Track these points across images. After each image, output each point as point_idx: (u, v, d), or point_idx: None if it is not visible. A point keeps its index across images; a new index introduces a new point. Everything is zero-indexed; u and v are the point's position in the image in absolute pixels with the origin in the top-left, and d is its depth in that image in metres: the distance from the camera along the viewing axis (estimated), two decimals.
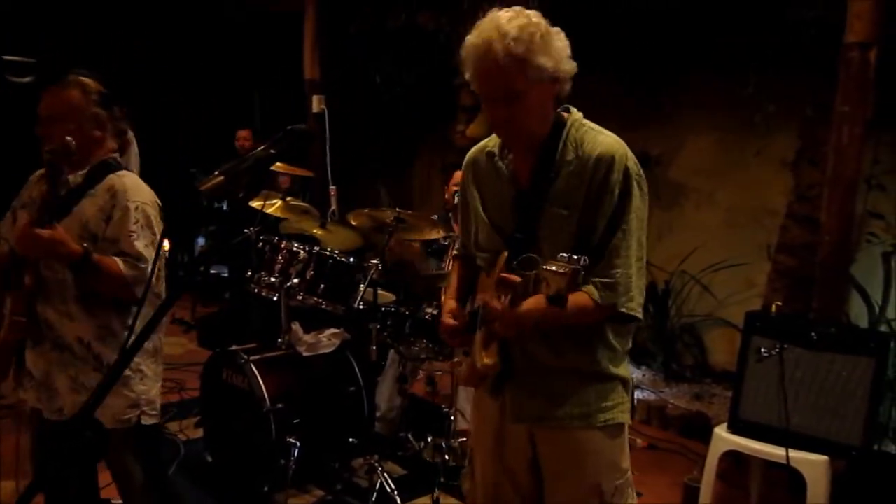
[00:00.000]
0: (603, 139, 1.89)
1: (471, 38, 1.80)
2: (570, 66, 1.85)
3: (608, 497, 1.96)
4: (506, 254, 1.89)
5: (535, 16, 1.80)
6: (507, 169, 1.97)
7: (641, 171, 1.89)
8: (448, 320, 2.03)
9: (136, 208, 2.20)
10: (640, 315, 1.87)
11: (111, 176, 2.22)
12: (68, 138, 1.93)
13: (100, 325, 2.22)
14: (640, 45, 5.11)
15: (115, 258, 2.13)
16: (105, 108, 2.27)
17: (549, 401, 1.95)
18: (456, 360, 2.16)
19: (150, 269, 2.17)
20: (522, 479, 2.05)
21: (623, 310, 1.84)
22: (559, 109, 1.92)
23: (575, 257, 1.56)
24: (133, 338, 1.29)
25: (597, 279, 1.83)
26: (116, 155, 2.31)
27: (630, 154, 1.88)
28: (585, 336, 1.92)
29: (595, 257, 1.82)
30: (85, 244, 2.07)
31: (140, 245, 2.16)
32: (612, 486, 1.96)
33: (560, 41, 1.83)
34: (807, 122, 3.99)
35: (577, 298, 1.81)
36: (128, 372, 2.26)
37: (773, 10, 4.15)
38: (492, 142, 2.05)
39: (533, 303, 1.74)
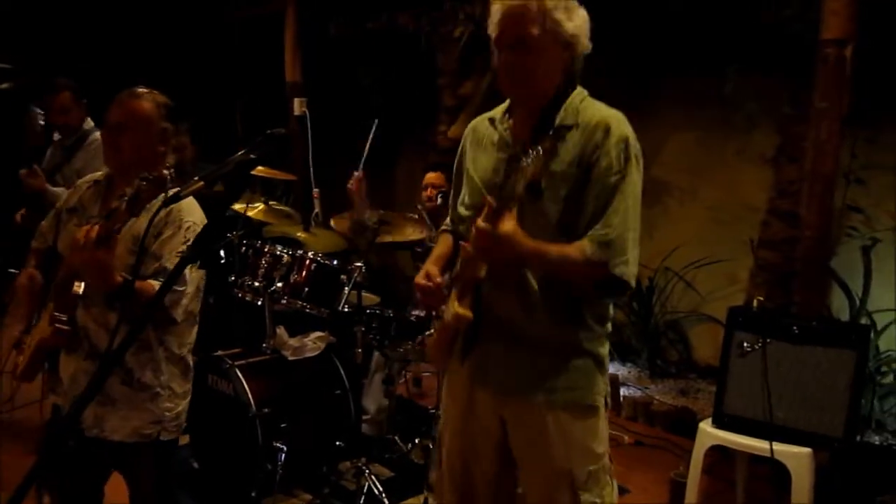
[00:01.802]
0: (605, 109, 1.92)
1: None
2: (585, 41, 1.90)
3: (580, 484, 1.91)
4: (491, 199, 1.82)
5: None
6: (507, 133, 1.98)
7: (640, 149, 1.90)
8: (422, 280, 2.00)
9: (189, 228, 2.18)
10: (631, 282, 1.84)
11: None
12: (165, 171, 1.86)
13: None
14: (621, 44, 5.13)
15: (153, 282, 2.10)
16: (171, 122, 2.26)
17: (516, 368, 1.92)
18: (427, 333, 2.14)
19: (188, 291, 2.17)
20: (489, 462, 2.04)
21: (615, 271, 1.81)
22: (576, 82, 1.95)
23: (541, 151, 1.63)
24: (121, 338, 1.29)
25: (592, 236, 1.82)
26: (172, 171, 2.28)
27: (630, 128, 1.90)
28: (562, 305, 1.89)
29: (591, 217, 1.84)
30: (125, 275, 2.01)
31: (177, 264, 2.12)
32: (584, 471, 1.92)
33: (584, 17, 1.89)
34: (785, 119, 4.03)
35: (564, 248, 1.82)
36: (157, 389, 2.23)
37: (751, 8, 4.18)
38: (495, 111, 2.07)
39: (513, 225, 1.76)
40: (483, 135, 2.07)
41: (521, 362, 1.93)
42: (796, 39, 3.62)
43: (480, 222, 1.77)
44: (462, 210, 2.07)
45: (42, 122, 3.86)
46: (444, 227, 2.27)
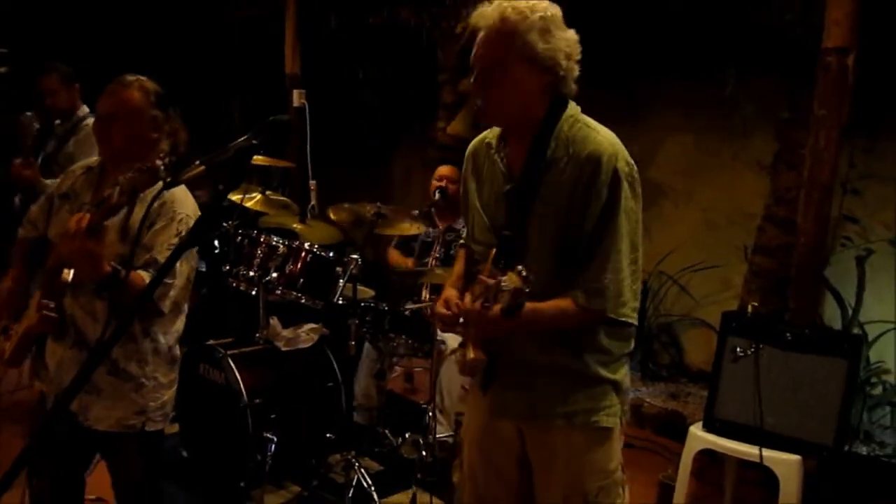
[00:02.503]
0: (594, 137, 1.85)
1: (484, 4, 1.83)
2: (567, 63, 1.83)
3: (591, 497, 1.94)
4: (493, 251, 1.87)
5: (550, 6, 1.82)
6: (502, 162, 1.96)
7: (635, 172, 1.86)
8: (441, 309, 2.00)
9: (181, 220, 2.16)
10: (633, 320, 1.85)
11: (160, 182, 2.17)
12: (158, 162, 1.83)
13: None
14: (619, 46, 5.14)
15: (143, 273, 2.09)
16: (162, 109, 2.24)
17: (533, 399, 1.94)
18: (456, 349, 2.15)
19: (177, 283, 2.16)
20: (510, 474, 2.05)
21: (613, 315, 1.82)
22: (565, 106, 1.89)
23: (524, 274, 1.58)
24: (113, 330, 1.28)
25: (585, 285, 1.81)
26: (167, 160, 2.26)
27: (622, 154, 1.84)
28: (575, 337, 1.89)
29: (584, 260, 1.82)
30: (114, 264, 2.00)
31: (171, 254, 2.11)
32: (594, 487, 1.94)
33: (565, 35, 1.83)
34: (783, 125, 4.04)
35: (559, 304, 1.83)
36: (142, 379, 2.23)
37: (751, 12, 4.19)
38: (492, 133, 2.03)
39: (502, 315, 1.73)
40: (482, 163, 2.04)
41: (539, 392, 1.94)
42: (797, 44, 3.63)
43: (472, 304, 1.79)
44: (473, 245, 2.08)
45: (37, 126, 3.86)
46: (462, 242, 2.27)
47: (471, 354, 1.91)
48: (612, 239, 1.81)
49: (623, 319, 1.84)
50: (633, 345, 2.02)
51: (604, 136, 1.85)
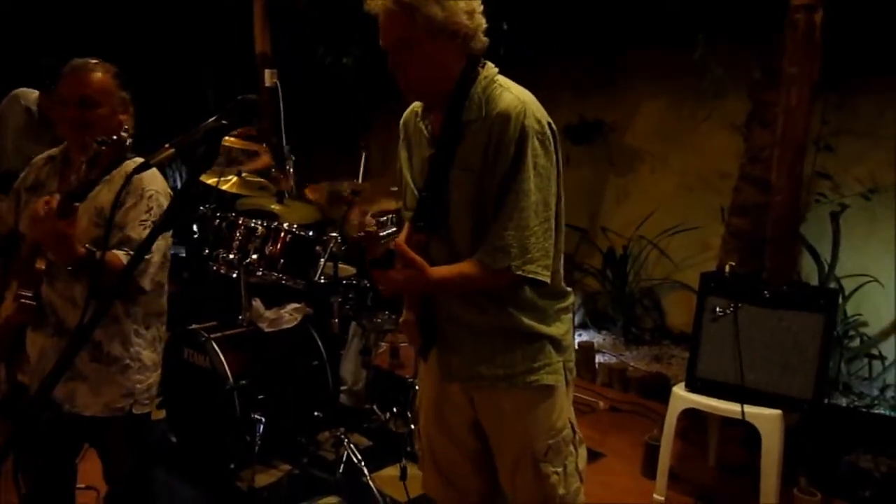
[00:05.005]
0: (505, 96, 1.82)
1: None
2: (470, 22, 1.80)
3: (540, 456, 1.95)
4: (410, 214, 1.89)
5: None
6: (427, 129, 1.95)
7: (546, 129, 1.82)
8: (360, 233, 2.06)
9: (151, 197, 2.14)
10: (543, 277, 1.83)
11: (128, 162, 2.10)
12: (123, 134, 1.80)
13: None
14: (591, 14, 5.13)
15: (118, 252, 2.07)
16: (125, 89, 2.21)
17: (475, 360, 1.95)
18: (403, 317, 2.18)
19: (154, 260, 2.15)
20: (465, 439, 2.07)
21: (520, 273, 1.80)
22: (478, 66, 1.87)
23: (383, 219, 1.63)
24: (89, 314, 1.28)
25: (489, 243, 1.81)
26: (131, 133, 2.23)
27: (531, 110, 1.80)
28: (503, 295, 1.89)
29: (491, 219, 1.82)
30: (87, 245, 1.98)
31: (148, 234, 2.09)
32: (543, 445, 1.95)
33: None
34: (755, 85, 4.05)
35: (464, 265, 1.85)
36: (127, 360, 2.22)
37: None
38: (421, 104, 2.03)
39: (411, 273, 1.81)
40: (412, 132, 2.04)
41: (478, 352, 1.95)
42: (765, 4, 3.63)
43: (397, 268, 1.85)
44: (404, 213, 2.09)
45: None
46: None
47: (403, 316, 1.97)
48: (517, 195, 1.78)
49: (531, 276, 1.81)
50: (570, 300, 2.02)
51: (514, 94, 1.82)
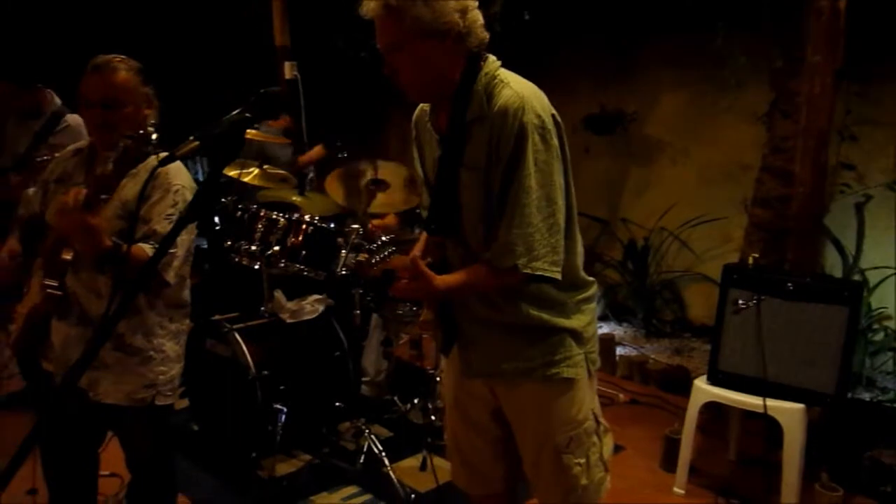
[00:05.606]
0: (505, 92, 1.78)
1: None
2: (462, 20, 1.76)
3: (563, 448, 1.96)
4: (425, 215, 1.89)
5: None
6: (434, 129, 1.94)
7: (547, 122, 1.77)
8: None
9: (177, 191, 2.17)
10: (552, 274, 1.79)
11: (153, 157, 2.15)
12: (150, 129, 1.82)
13: None
14: (611, 2, 5.09)
15: (144, 245, 2.09)
16: (147, 84, 2.22)
17: (495, 356, 1.95)
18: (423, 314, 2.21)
19: (179, 253, 2.17)
20: (488, 429, 2.08)
21: (527, 271, 1.77)
22: (479, 62, 1.83)
23: (373, 246, 1.78)
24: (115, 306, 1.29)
25: (494, 243, 1.80)
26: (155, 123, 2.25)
27: (531, 105, 1.75)
28: (516, 290, 1.88)
29: (497, 218, 1.81)
30: (114, 238, 1.99)
31: (172, 227, 2.10)
32: (565, 437, 1.95)
33: None
34: (777, 74, 4.01)
35: (471, 268, 1.85)
36: (149, 352, 2.25)
37: None
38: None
39: (423, 283, 1.80)
40: (422, 130, 2.02)
41: (497, 348, 1.95)
42: None
43: (403, 282, 1.85)
44: (423, 211, 2.08)
45: None
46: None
47: (423, 315, 2.00)
48: (518, 193, 1.75)
49: (539, 274, 1.78)
50: (592, 290, 2.00)
51: (514, 89, 1.78)
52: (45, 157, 3.44)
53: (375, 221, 4.00)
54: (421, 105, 2.04)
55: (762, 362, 3.07)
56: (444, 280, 1.83)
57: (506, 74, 1.84)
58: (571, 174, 1.88)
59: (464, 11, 1.77)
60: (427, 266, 1.85)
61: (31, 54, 3.91)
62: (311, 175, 5.26)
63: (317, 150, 5.09)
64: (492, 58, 1.87)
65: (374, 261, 1.86)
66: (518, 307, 1.89)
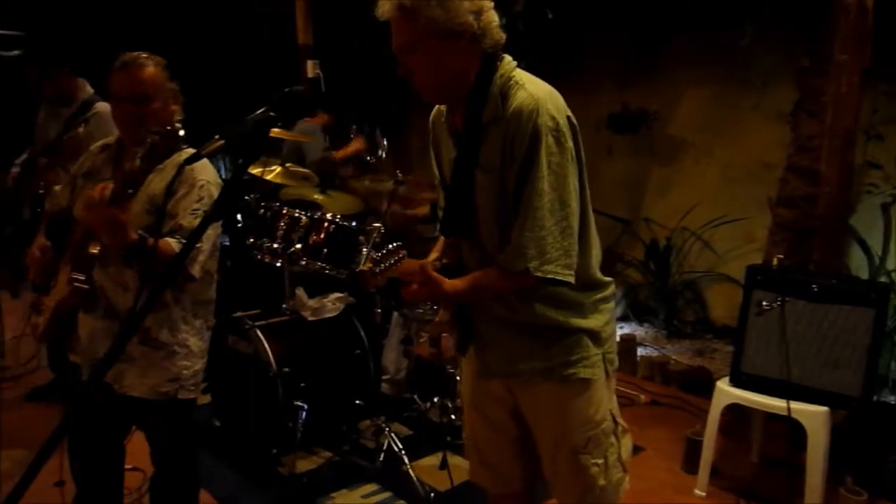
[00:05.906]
0: (520, 94, 1.77)
1: None
2: (476, 21, 1.76)
3: (580, 448, 1.95)
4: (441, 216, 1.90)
5: None
6: (449, 130, 1.94)
7: (562, 124, 1.76)
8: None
9: (202, 187, 2.20)
10: (565, 277, 1.78)
11: (180, 152, 2.17)
12: (177, 125, 1.84)
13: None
14: (636, 2, 5.06)
15: (170, 240, 2.11)
16: (173, 79, 2.25)
17: (511, 356, 1.95)
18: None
19: (204, 248, 2.19)
20: (506, 426, 2.09)
21: (539, 274, 1.76)
22: (494, 63, 1.83)
23: (378, 255, 1.82)
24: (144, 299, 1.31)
25: (507, 246, 1.80)
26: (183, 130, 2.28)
27: (545, 107, 1.74)
28: (530, 292, 1.87)
29: (511, 221, 1.80)
30: (140, 232, 2.01)
31: (198, 224, 2.13)
32: (583, 437, 1.95)
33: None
34: (803, 73, 3.96)
35: (480, 275, 1.85)
36: (174, 347, 2.27)
37: None
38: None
39: (431, 287, 1.81)
40: (439, 131, 2.02)
41: (513, 348, 1.95)
42: None
43: (413, 287, 1.85)
44: (440, 212, 2.07)
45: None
46: None
47: (440, 316, 2.00)
48: (531, 196, 1.74)
49: (551, 277, 1.77)
50: (610, 289, 1.99)
51: (528, 91, 1.77)
52: (70, 136, 3.51)
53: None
54: (438, 105, 2.03)
55: (786, 364, 3.04)
56: (453, 284, 1.83)
57: (521, 75, 1.83)
58: (587, 175, 1.87)
59: (479, 12, 1.77)
60: (443, 267, 1.86)
61: (61, 42, 3.98)
62: (349, 168, 5.25)
63: (355, 145, 5.09)
64: (507, 58, 1.86)
65: (378, 270, 1.86)
66: (534, 307, 1.89)
